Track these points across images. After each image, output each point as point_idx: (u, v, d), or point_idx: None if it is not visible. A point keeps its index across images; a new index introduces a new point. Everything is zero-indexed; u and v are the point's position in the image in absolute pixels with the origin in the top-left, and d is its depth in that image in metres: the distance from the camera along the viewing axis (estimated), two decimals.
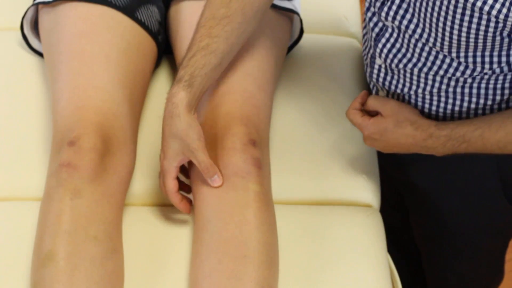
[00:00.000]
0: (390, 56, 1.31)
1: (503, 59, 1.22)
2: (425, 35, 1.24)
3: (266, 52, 1.43)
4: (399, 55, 1.30)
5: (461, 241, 1.51)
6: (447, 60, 1.25)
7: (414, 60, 1.29)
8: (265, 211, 1.29)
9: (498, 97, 1.28)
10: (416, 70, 1.29)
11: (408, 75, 1.31)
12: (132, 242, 1.33)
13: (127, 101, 1.37)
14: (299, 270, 1.33)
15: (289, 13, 1.53)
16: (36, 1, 1.48)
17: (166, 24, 1.54)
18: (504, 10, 1.13)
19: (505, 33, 1.17)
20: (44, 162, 1.39)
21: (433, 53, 1.26)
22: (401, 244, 1.72)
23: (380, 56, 1.33)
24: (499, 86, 1.27)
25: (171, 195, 1.30)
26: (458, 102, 1.31)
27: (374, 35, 1.32)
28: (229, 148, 1.30)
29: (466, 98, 1.30)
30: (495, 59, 1.23)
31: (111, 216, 1.27)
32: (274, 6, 1.47)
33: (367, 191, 1.46)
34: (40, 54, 1.54)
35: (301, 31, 1.58)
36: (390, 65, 1.32)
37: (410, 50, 1.28)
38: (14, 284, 1.27)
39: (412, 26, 1.25)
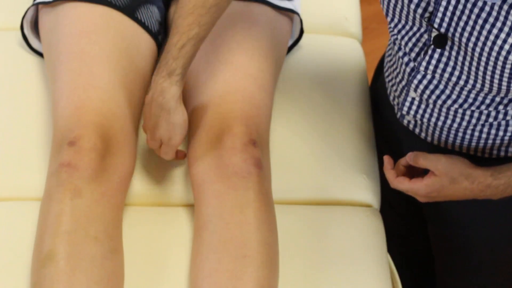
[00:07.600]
0: (427, 92, 1.29)
1: None
2: (469, 86, 1.23)
3: (266, 52, 1.43)
4: (437, 92, 1.28)
5: (484, 254, 1.49)
6: (490, 96, 1.24)
7: (454, 96, 1.27)
8: (265, 211, 1.29)
9: None
10: (455, 106, 1.28)
11: (444, 109, 1.29)
12: (132, 242, 1.33)
13: (127, 102, 1.37)
14: (299, 270, 1.33)
15: (289, 13, 1.53)
16: (36, 1, 1.48)
17: (166, 24, 1.54)
18: None
19: None
20: (44, 162, 1.39)
21: (475, 91, 1.24)
22: (402, 246, 1.71)
23: (415, 91, 1.30)
24: None
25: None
26: (493, 131, 1.30)
27: (408, 70, 1.30)
28: (229, 148, 1.30)
29: (502, 128, 1.29)
30: None
31: (111, 216, 1.27)
32: (274, 6, 1.47)
33: (367, 191, 1.46)
34: (40, 54, 1.54)
35: (301, 31, 1.58)
36: (427, 100, 1.30)
37: (449, 87, 1.26)
38: (14, 284, 1.27)
39: (454, 79, 1.24)
